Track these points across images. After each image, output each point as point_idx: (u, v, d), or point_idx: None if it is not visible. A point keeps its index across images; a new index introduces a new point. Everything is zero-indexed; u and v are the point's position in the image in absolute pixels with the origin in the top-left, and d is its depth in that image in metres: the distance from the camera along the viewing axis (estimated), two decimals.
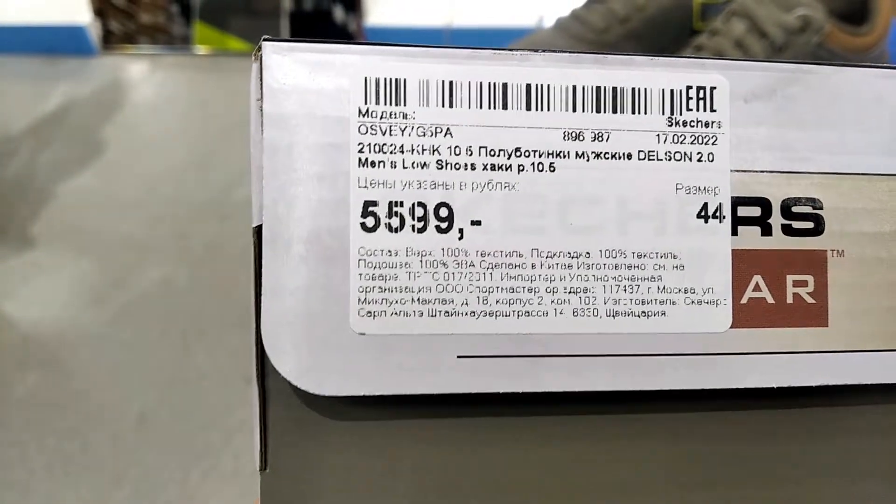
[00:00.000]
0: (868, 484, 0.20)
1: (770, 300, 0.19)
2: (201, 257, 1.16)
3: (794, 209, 0.19)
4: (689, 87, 0.18)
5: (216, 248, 1.17)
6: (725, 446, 0.20)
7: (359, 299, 0.17)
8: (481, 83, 0.18)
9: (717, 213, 0.18)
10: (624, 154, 0.18)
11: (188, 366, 1.05)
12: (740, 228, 0.19)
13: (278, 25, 1.53)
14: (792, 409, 0.20)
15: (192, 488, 0.93)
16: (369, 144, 0.18)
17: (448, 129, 0.18)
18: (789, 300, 0.19)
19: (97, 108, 1.43)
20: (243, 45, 1.50)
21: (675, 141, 0.18)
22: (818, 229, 0.19)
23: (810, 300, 0.19)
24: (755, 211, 0.19)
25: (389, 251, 0.17)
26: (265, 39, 0.18)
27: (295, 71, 0.17)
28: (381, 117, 0.18)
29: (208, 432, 0.98)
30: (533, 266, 0.18)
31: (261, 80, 0.17)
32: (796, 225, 0.19)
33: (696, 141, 0.18)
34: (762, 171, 0.19)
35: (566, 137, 0.18)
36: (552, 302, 0.18)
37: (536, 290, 0.18)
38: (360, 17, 1.43)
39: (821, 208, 0.19)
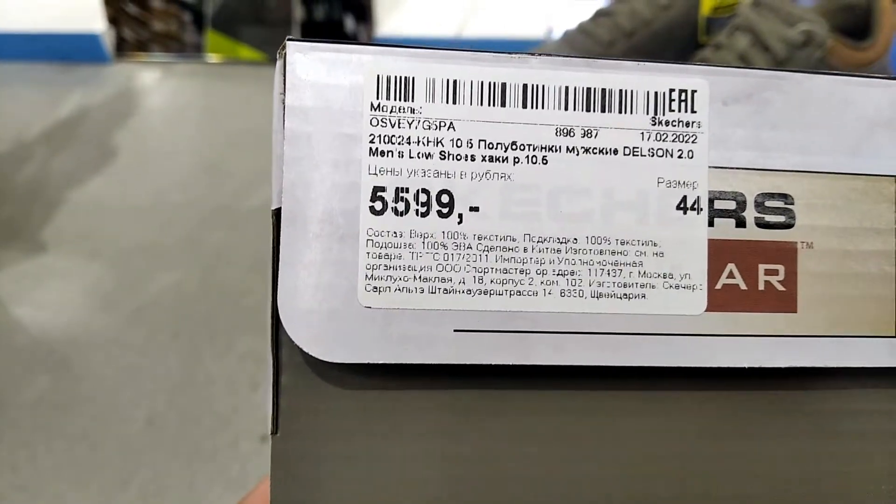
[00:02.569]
0: (842, 462, 0.21)
1: (743, 287, 0.20)
2: (212, 263, 1.17)
3: (767, 204, 0.20)
4: (671, 90, 0.20)
5: (226, 255, 1.18)
6: (701, 424, 0.21)
7: (366, 275, 0.19)
8: (482, 82, 0.20)
9: (695, 206, 0.20)
10: (611, 149, 0.20)
11: (197, 371, 1.05)
12: (716, 220, 0.20)
13: (289, 35, 1.55)
14: (764, 391, 0.21)
15: (199, 492, 0.94)
16: (380, 135, 0.19)
17: (451, 123, 0.19)
18: (761, 287, 0.20)
19: (110, 115, 1.44)
20: (254, 53, 1.52)
21: (658, 138, 0.20)
22: (789, 223, 0.20)
23: (781, 288, 0.20)
24: (730, 204, 0.20)
25: (395, 232, 0.19)
26: (289, 39, 0.19)
27: (315, 68, 0.19)
28: (391, 111, 0.19)
29: (215, 437, 0.99)
30: (525, 249, 0.20)
31: (284, 75, 0.19)
32: (769, 218, 0.20)
33: (677, 139, 0.20)
34: (738, 168, 0.20)
35: (558, 133, 0.20)
36: (542, 283, 0.20)
37: (527, 271, 0.20)
38: (371, 26, 1.44)
39: (792, 203, 0.20)
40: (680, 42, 0.75)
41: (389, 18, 1.47)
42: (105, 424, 1.00)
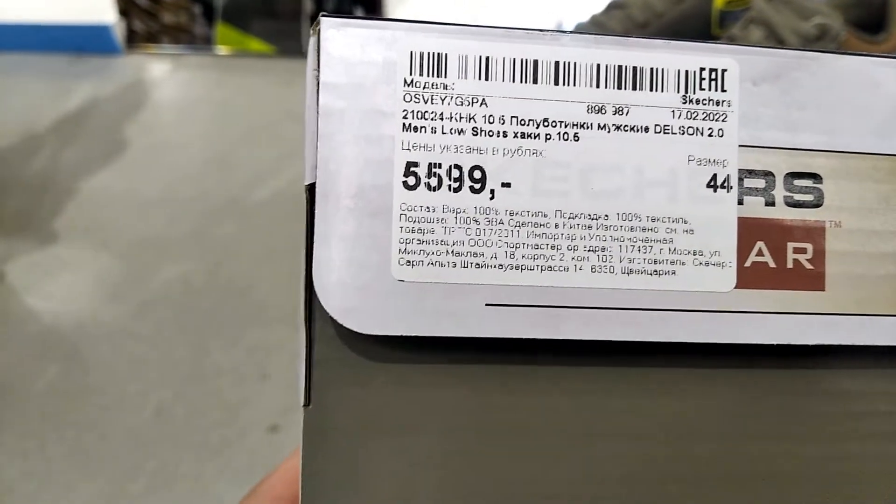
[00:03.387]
0: (862, 442, 0.21)
1: (772, 264, 0.20)
2: (220, 256, 1.17)
3: (796, 183, 0.20)
4: (702, 69, 0.20)
5: (235, 247, 1.18)
6: (728, 402, 0.21)
7: (399, 249, 0.19)
8: (514, 59, 0.20)
9: (725, 184, 0.20)
10: (642, 127, 0.20)
11: (205, 362, 1.06)
12: (746, 198, 0.20)
13: (299, 27, 1.55)
14: (792, 369, 0.21)
15: (206, 483, 0.94)
16: (413, 111, 0.19)
17: (483, 99, 0.20)
18: (789, 265, 0.20)
19: (120, 107, 1.45)
20: (264, 46, 1.52)
21: (689, 117, 0.20)
22: (818, 202, 0.20)
23: (809, 266, 0.20)
24: (760, 183, 0.20)
25: (428, 207, 0.19)
26: (324, 16, 0.19)
27: (349, 44, 0.19)
28: (424, 87, 0.19)
29: (223, 428, 0.99)
30: (556, 226, 0.20)
31: (318, 52, 0.19)
32: (798, 197, 0.20)
33: (707, 117, 0.20)
34: (768, 147, 0.20)
35: (590, 110, 0.20)
36: (572, 259, 0.20)
37: (559, 247, 0.20)
38: None
39: (820, 183, 0.20)
40: (693, 34, 0.75)
41: (398, 11, 1.48)
42: (114, 414, 1.00)
